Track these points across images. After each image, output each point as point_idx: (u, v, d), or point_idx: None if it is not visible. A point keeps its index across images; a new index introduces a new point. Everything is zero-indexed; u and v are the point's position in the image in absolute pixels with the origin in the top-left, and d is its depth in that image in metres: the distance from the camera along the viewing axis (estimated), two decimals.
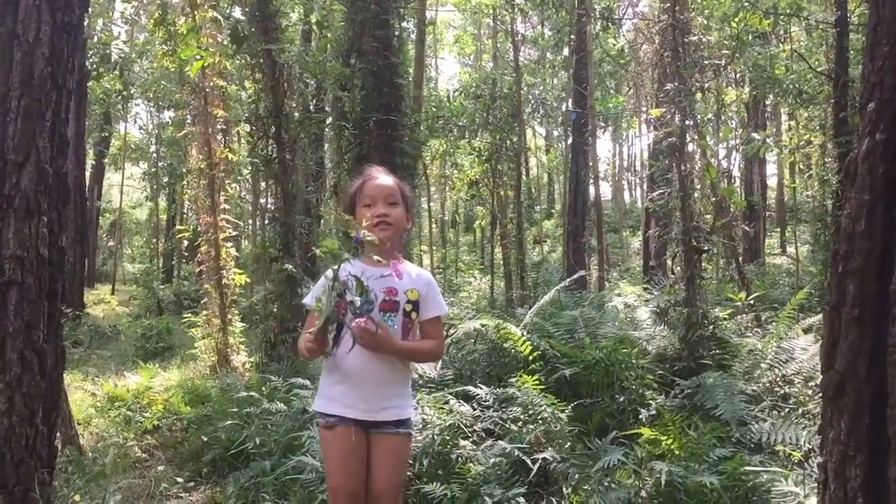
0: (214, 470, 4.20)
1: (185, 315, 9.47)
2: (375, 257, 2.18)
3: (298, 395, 4.49)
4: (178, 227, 14.33)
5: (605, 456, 3.32)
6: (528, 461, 3.38)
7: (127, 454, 4.49)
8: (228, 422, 4.37)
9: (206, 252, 7.46)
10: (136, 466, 4.38)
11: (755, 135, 12.23)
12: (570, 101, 14.57)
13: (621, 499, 2.97)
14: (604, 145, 43.31)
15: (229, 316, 7.38)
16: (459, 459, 3.41)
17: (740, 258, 10.46)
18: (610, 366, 4.27)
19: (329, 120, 9.97)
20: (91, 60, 12.49)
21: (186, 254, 22.30)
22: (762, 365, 4.71)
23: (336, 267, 2.05)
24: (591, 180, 14.17)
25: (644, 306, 6.38)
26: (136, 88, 19.65)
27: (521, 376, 4.00)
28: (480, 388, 4.12)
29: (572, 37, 13.35)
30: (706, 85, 6.78)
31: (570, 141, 14.23)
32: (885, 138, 1.54)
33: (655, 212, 7.75)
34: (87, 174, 20.07)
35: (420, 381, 4.45)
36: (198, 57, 6.64)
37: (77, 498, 3.49)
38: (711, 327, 5.08)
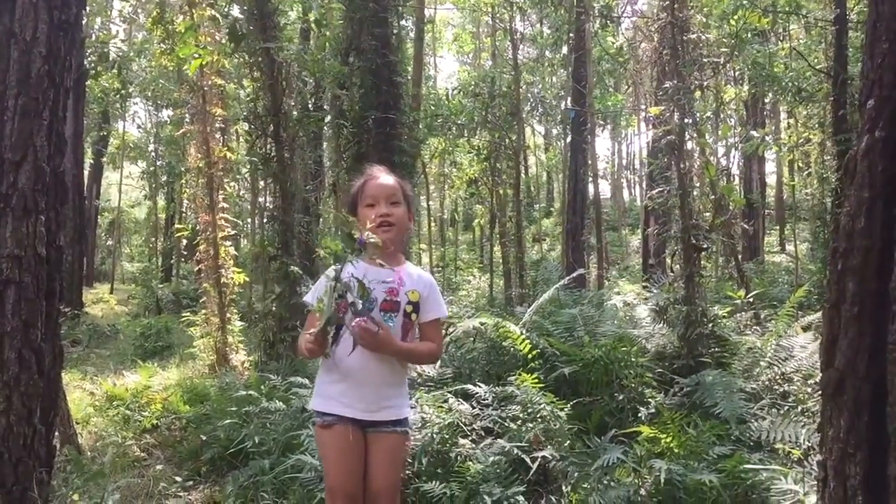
0: (213, 469, 4.19)
1: (183, 314, 9.48)
2: (378, 259, 2.18)
3: (297, 394, 4.48)
4: (176, 225, 14.30)
5: (604, 454, 3.31)
6: (528, 459, 3.37)
7: (126, 453, 4.49)
8: (227, 421, 4.37)
9: (204, 251, 7.46)
10: (135, 465, 4.37)
11: (754, 133, 12.22)
12: (569, 99, 14.55)
13: (621, 497, 2.97)
14: (603, 143, 43.27)
15: (228, 315, 7.38)
16: (458, 458, 3.40)
17: (739, 256, 10.47)
18: (609, 364, 4.27)
19: (328, 118, 9.97)
20: (89, 59, 12.50)
21: (185, 253, 22.33)
22: (761, 363, 4.71)
23: (338, 268, 2.04)
24: (590, 178, 14.16)
25: (643, 304, 6.39)
26: (134, 87, 19.64)
27: (520, 375, 3.99)
28: (480, 387, 4.12)
29: (571, 35, 13.32)
30: (705, 83, 6.77)
31: (568, 139, 14.23)
32: (884, 135, 1.54)
33: (654, 210, 7.77)
34: (86, 173, 20.06)
35: (419, 380, 4.45)
36: (196, 55, 6.63)
37: (76, 497, 3.49)
38: (711, 325, 5.08)
